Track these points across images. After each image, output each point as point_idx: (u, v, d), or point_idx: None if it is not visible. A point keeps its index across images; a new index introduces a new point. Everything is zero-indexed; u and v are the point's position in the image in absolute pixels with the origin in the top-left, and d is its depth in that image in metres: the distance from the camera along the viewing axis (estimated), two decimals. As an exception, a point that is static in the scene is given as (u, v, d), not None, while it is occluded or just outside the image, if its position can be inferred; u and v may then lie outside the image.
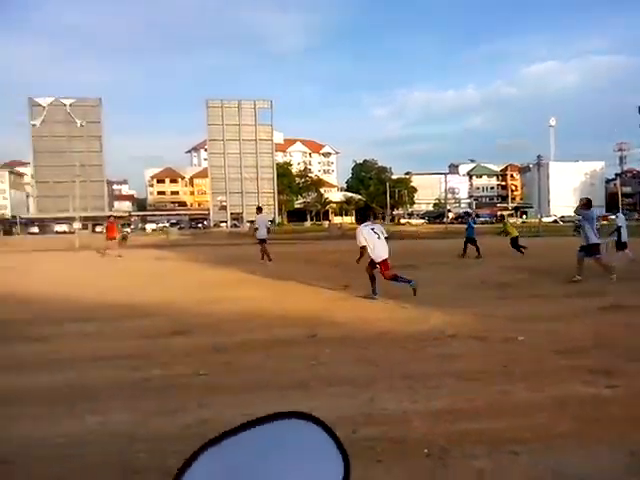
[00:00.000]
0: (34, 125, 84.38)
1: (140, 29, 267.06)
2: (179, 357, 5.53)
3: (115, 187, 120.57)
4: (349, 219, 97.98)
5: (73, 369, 5.19)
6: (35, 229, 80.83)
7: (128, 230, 52.78)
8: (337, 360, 5.28)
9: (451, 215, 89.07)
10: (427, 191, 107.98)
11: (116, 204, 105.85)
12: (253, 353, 5.63)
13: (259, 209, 18.41)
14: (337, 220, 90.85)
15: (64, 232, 69.91)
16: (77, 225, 40.37)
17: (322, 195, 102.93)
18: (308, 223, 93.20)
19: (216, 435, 0.61)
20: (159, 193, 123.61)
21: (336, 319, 7.44)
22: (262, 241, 16.62)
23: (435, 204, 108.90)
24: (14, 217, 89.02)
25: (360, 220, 10.43)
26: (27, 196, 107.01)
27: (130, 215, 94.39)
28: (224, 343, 6.04)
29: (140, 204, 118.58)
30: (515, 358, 5.25)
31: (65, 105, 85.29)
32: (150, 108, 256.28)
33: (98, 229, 63.34)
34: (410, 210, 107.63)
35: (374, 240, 9.08)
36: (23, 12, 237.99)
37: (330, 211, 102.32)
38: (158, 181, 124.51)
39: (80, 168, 78.27)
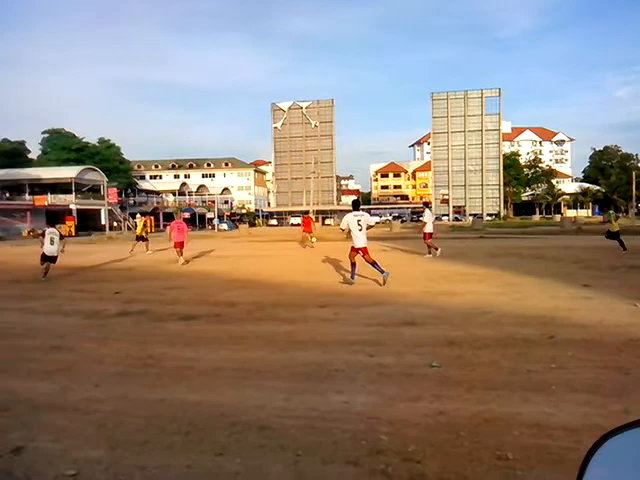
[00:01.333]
0: (276, 127, 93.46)
1: (365, 29, 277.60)
2: (410, 347, 5.66)
3: (342, 182, 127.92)
4: (585, 212, 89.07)
5: (316, 350, 5.67)
6: (274, 221, 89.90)
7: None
8: (580, 365, 4.86)
9: None
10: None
11: (343, 198, 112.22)
12: (485, 349, 5.49)
13: (426, 204, 18.37)
14: (570, 213, 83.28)
15: (297, 224, 76.40)
16: (310, 218, 43.62)
17: (554, 186, 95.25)
18: (537, 216, 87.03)
19: (620, 425, 0.63)
20: (382, 187, 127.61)
21: (576, 320, 6.85)
22: (429, 235, 17.06)
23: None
24: (257, 210, 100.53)
25: (353, 209, 11.18)
26: (268, 192, 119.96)
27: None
28: (455, 337, 6.02)
29: (365, 198, 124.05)
30: None
31: (301, 108, 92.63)
32: (375, 104, 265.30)
33: (327, 222, 68.00)
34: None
35: (355, 230, 10.59)
36: (263, 28, 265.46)
37: (562, 203, 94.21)
38: (382, 175, 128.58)
39: (314, 165, 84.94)
